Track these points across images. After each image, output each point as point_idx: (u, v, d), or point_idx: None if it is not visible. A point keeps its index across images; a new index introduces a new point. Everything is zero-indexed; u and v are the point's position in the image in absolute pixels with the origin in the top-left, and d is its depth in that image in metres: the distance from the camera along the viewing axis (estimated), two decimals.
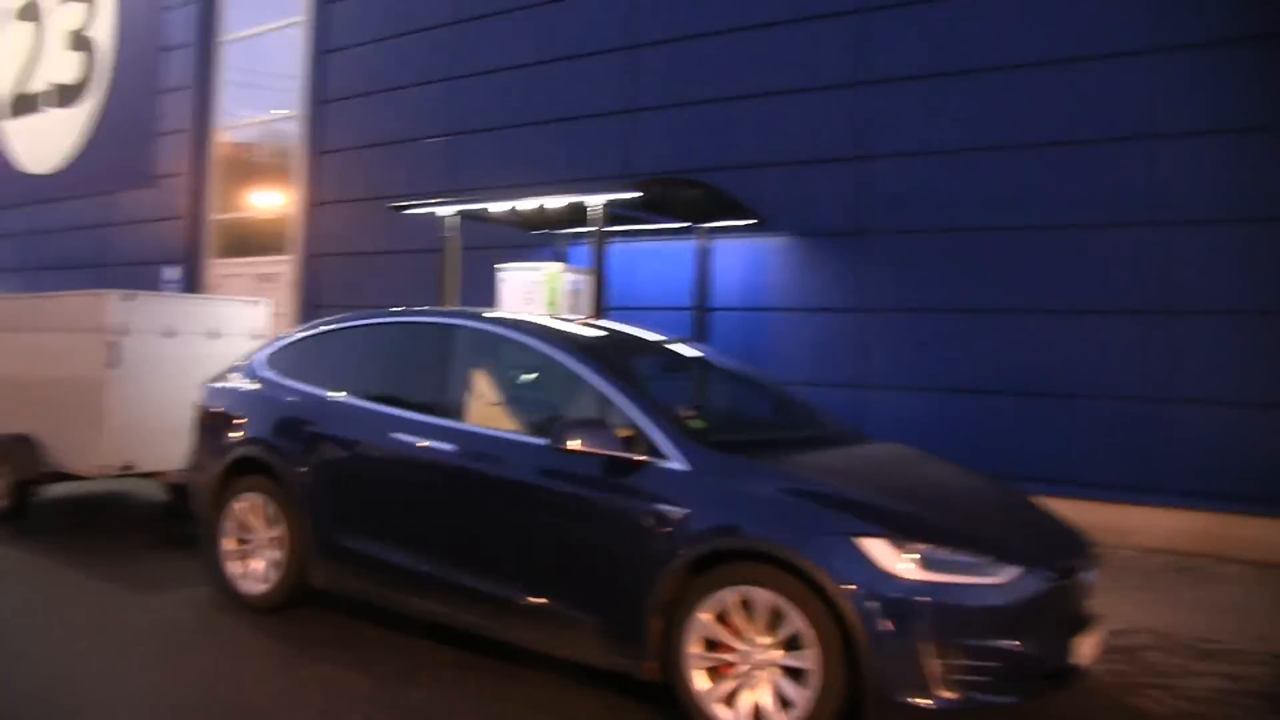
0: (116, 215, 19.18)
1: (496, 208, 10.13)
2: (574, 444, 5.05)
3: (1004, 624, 4.38)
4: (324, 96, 15.52)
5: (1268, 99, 8.59)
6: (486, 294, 10.50)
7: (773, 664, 4.57)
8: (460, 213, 10.46)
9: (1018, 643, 4.38)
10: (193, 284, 17.30)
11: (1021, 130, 9.57)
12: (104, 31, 19.87)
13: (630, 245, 11.78)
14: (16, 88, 22.11)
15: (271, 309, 10.04)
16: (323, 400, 6.61)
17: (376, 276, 14.25)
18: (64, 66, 20.76)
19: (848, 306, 10.42)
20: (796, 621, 4.47)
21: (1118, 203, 9.10)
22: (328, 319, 7.25)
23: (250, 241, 17.13)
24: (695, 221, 10.59)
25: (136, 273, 18.03)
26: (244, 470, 6.88)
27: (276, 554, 6.62)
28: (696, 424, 5.52)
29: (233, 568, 6.87)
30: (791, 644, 4.51)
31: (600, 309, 9.20)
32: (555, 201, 9.47)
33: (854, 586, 4.35)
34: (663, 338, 6.88)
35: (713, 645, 4.72)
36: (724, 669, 4.68)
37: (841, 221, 10.47)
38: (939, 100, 9.98)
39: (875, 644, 4.30)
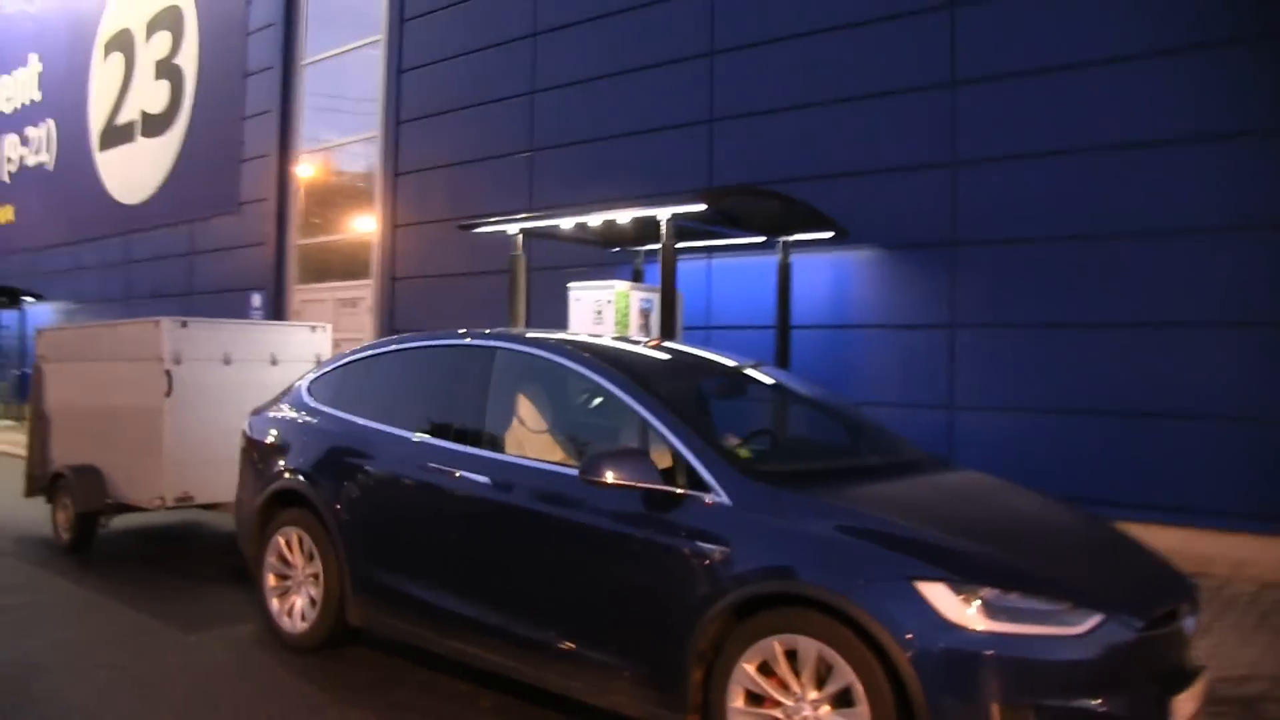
0: (204, 243, 19.29)
1: (563, 224, 9.72)
2: (607, 475, 4.57)
3: (1084, 681, 3.81)
4: (401, 116, 15.34)
5: None
6: (562, 315, 10.12)
7: None
8: (525, 230, 10.09)
9: (1099, 702, 3.78)
10: (277, 310, 17.24)
11: (1120, 130, 8.84)
12: (189, 59, 20.04)
13: (708, 262, 11.32)
14: (108, 120, 22.47)
15: (331, 334, 9.77)
16: (357, 428, 6.27)
17: (455, 299, 13.98)
18: (152, 96, 21.01)
19: (937, 323, 9.79)
20: (846, 674, 3.95)
21: (1226, 206, 8.34)
22: (370, 344, 6.92)
23: (332, 266, 17.03)
24: (774, 235, 10.06)
25: (224, 300, 18.10)
26: (284, 503, 6.58)
27: (315, 591, 6.30)
28: (744, 453, 5.02)
29: (274, 604, 6.57)
30: (841, 699, 3.99)
31: (670, 328, 8.73)
32: (622, 216, 9.04)
33: (909, 636, 3.82)
34: (727, 359, 6.38)
35: (757, 699, 4.21)
36: None
37: (929, 232, 9.86)
38: (1031, 100, 9.31)
39: (932, 702, 3.75)
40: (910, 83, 10.01)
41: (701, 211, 8.59)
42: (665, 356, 6.13)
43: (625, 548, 4.69)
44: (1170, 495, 8.47)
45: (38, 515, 9.99)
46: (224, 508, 8.81)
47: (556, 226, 9.86)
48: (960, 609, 3.81)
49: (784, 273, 10.15)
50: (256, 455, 6.98)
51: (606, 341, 6.08)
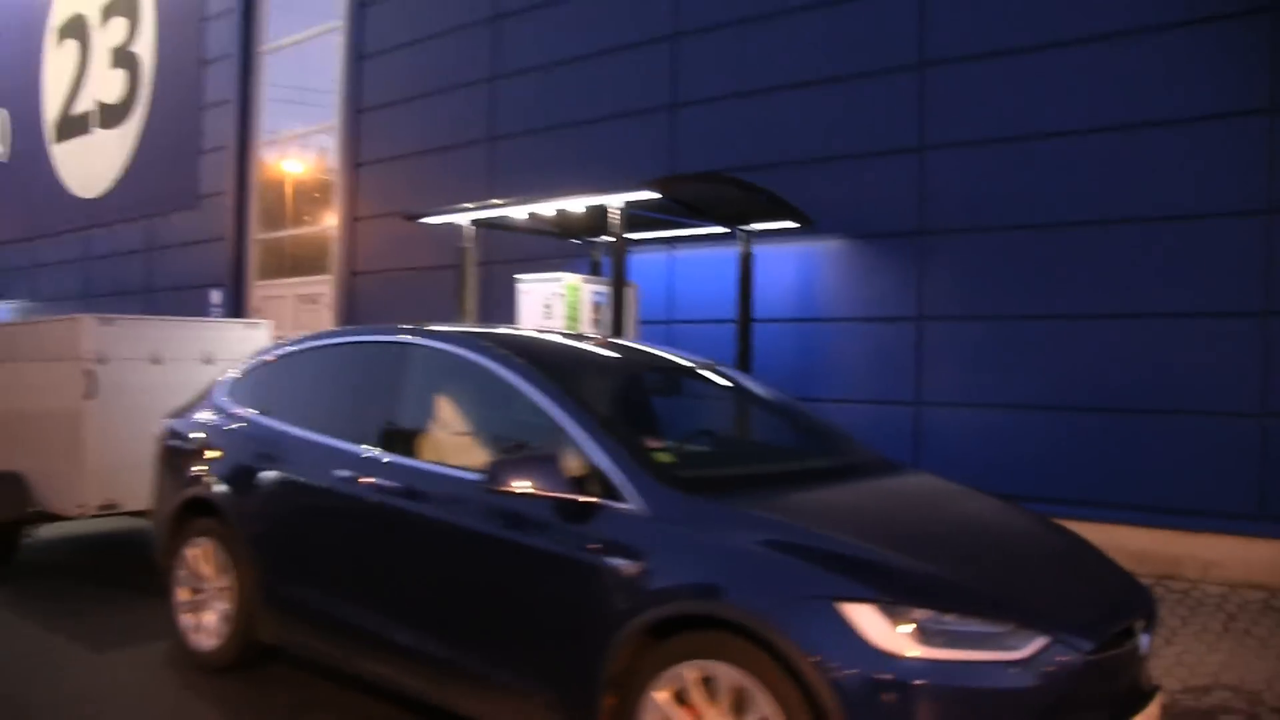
0: (163, 238, 18.69)
1: (514, 214, 9.25)
2: (510, 483, 4.12)
3: (1026, 710, 3.43)
4: (361, 105, 14.82)
5: None
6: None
7: None
8: (475, 221, 9.62)
9: None
10: (236, 307, 16.70)
11: (1097, 112, 8.37)
12: (146, 47, 19.35)
13: (670, 254, 10.85)
14: (64, 110, 21.69)
15: (272, 330, 9.28)
16: (269, 432, 5.82)
17: (416, 294, 13.47)
18: (108, 85, 20.25)
19: (904, 315, 9.33)
20: (764, 706, 3.54)
21: (1216, 191, 7.86)
22: (288, 341, 6.45)
23: (293, 261, 16.51)
24: (736, 225, 9.58)
25: (183, 297, 17.58)
26: (196, 512, 6.12)
27: (226, 606, 5.83)
28: (665, 457, 4.57)
29: (185, 620, 6.13)
30: None
31: (620, 323, 8.26)
32: (573, 205, 8.57)
33: (832, 664, 3.39)
34: (671, 355, 5.95)
35: None
36: None
37: (896, 221, 9.38)
38: (1003, 82, 8.85)
39: None
40: (878, 65, 9.54)
41: (655, 200, 8.14)
42: (594, 352, 5.70)
43: (535, 561, 4.26)
44: (1143, 494, 8.08)
45: None
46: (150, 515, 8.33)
47: (507, 217, 9.40)
48: (890, 634, 3.41)
49: (745, 264, 9.68)
50: (170, 461, 6.54)
51: (529, 335, 5.65)
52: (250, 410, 6.09)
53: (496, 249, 12.11)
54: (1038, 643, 3.46)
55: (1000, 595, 3.66)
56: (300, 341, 6.24)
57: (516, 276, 9.26)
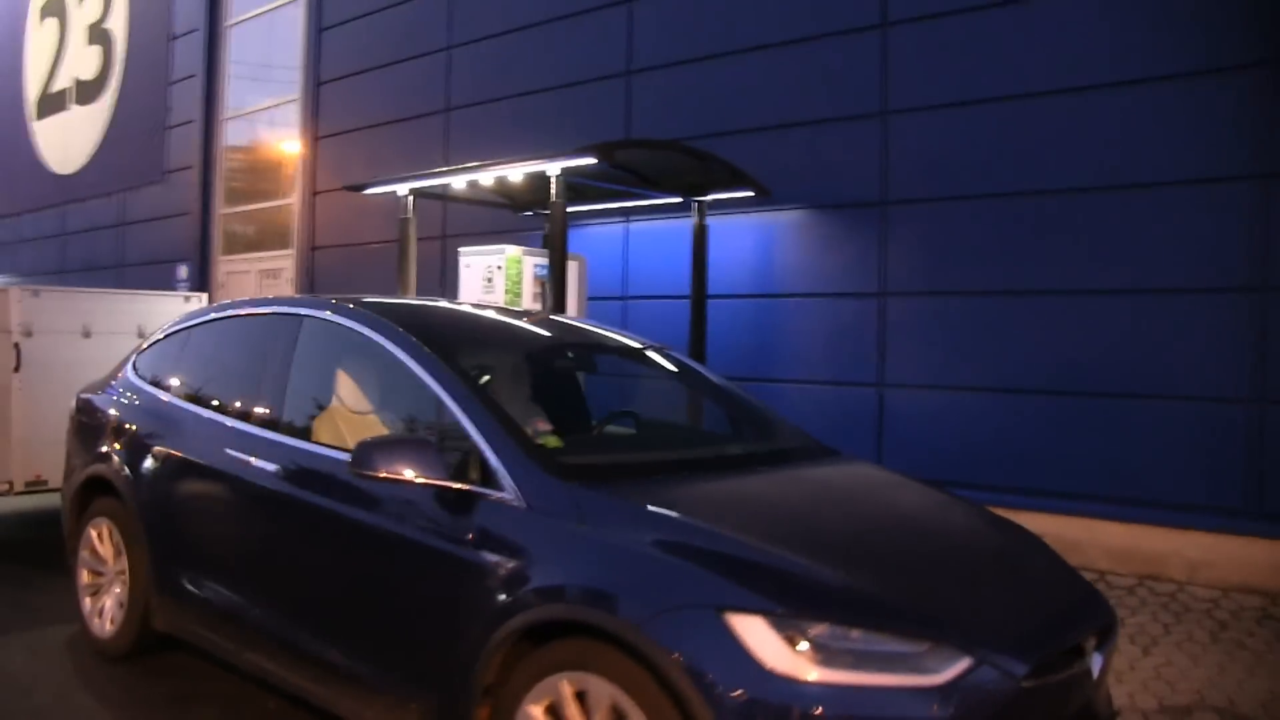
0: (134, 213, 18.55)
1: (454, 183, 8.96)
2: (378, 468, 3.78)
3: None
4: (321, 77, 14.53)
5: None
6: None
7: None
8: (415, 191, 9.33)
9: None
10: (201, 282, 16.47)
11: (1074, 71, 7.89)
12: (119, 23, 19.23)
13: (625, 226, 10.56)
14: (44, 88, 21.65)
15: (208, 303, 9.01)
16: (168, 408, 5.57)
17: (375, 269, 13.20)
18: (84, 62, 20.19)
19: (865, 291, 8.95)
20: None
21: (1197, 156, 7.35)
22: (196, 312, 6.19)
23: (257, 236, 16.26)
24: (690, 195, 9.27)
25: (153, 272, 17.36)
26: (97, 490, 5.87)
27: (122, 590, 5.58)
28: (551, 441, 4.25)
29: (87, 604, 5.87)
30: None
31: (561, 297, 7.97)
32: (511, 173, 8.27)
33: (713, 684, 2.97)
34: (604, 332, 5.65)
35: None
36: None
37: (857, 191, 9.01)
38: (971, 41, 8.42)
39: None
40: (839, 25, 9.15)
41: (602, 169, 7.85)
42: (506, 327, 5.40)
43: (408, 554, 3.93)
44: (1124, 486, 7.52)
45: None
46: None
47: (448, 186, 9.10)
48: (783, 651, 2.96)
49: (700, 237, 9.35)
50: (77, 436, 6.29)
51: (431, 308, 5.36)
52: (149, 385, 5.84)
53: (456, 223, 11.85)
54: (960, 665, 2.99)
55: (919, 607, 3.20)
56: (205, 314, 5.98)
57: (460, 250, 8.98)
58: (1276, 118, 7.03)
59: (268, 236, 15.88)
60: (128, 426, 5.73)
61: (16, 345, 7.79)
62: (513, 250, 8.54)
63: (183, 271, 16.77)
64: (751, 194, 8.99)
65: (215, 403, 5.25)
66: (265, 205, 16.17)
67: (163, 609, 5.28)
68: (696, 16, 10.15)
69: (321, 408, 4.79)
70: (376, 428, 4.57)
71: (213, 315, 5.85)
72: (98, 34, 19.76)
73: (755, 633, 2.99)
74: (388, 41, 13.51)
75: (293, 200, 15.08)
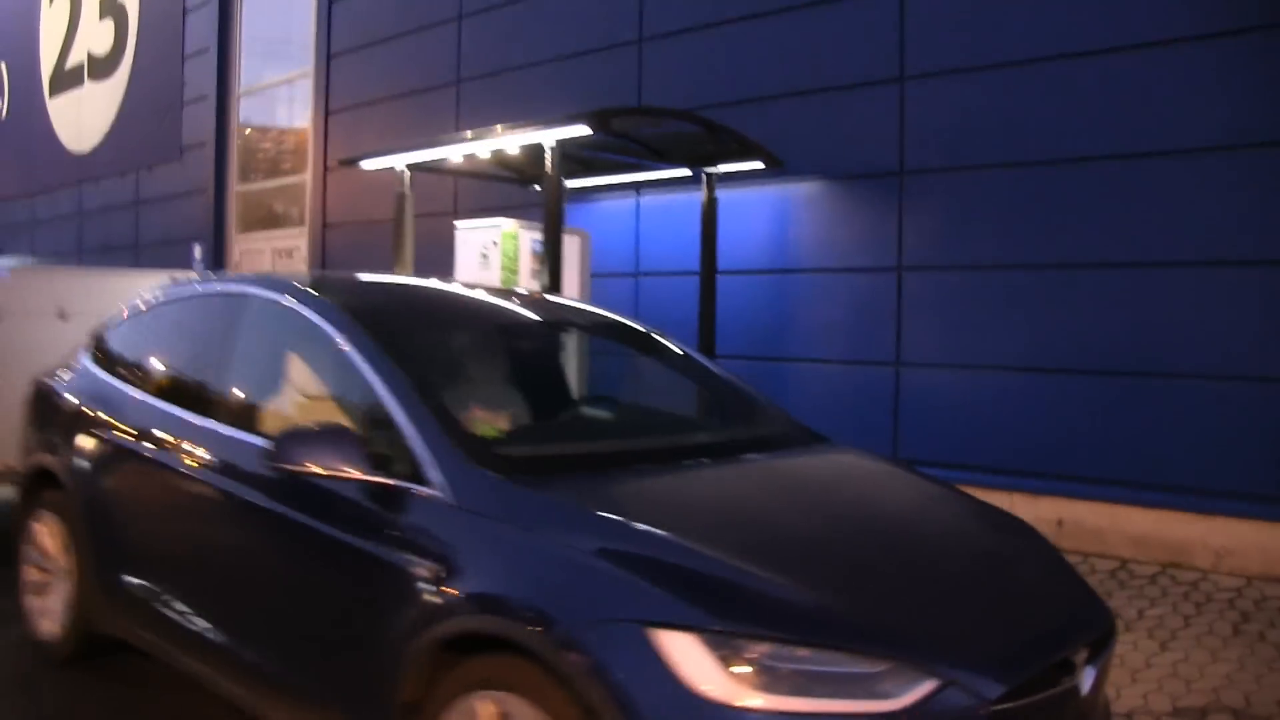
0: (149, 192, 18.22)
1: (451, 156, 8.53)
2: (297, 459, 3.38)
3: None
4: (332, 50, 14.12)
5: None
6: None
7: None
8: (412, 165, 8.91)
9: None
10: (217, 261, 16.16)
11: (1099, 32, 7.31)
12: None
13: (636, 200, 10.07)
14: (58, 64, 21.28)
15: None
16: (111, 393, 5.18)
17: (385, 246, 12.77)
18: (97, 37, 19.76)
19: (881, 265, 8.43)
20: None
21: (1230, 120, 6.77)
22: (154, 291, 5.78)
23: (272, 214, 15.93)
24: (699, 167, 8.78)
25: (169, 251, 16.99)
26: (44, 482, 5.48)
27: (67, 589, 5.19)
28: (488, 431, 3.80)
29: (33, 603, 5.50)
30: None
31: (557, 274, 7.51)
32: (507, 144, 7.82)
33: (639, 709, 2.59)
34: (595, 312, 5.26)
35: None
36: None
37: (872, 160, 8.48)
38: (995, 1, 7.88)
39: None
40: None
41: (595, 137, 7.39)
42: (473, 304, 4.96)
43: (334, 553, 3.54)
44: (1146, 470, 7.01)
45: None
46: None
47: (446, 160, 8.67)
48: (715, 673, 2.58)
49: (709, 210, 8.84)
50: (32, 425, 5.90)
51: (389, 284, 4.96)
52: (100, 369, 5.45)
53: (467, 199, 11.44)
54: (923, 688, 2.61)
55: (880, 621, 2.80)
56: (160, 294, 5.57)
57: (456, 224, 8.55)
58: None
59: (282, 214, 15.55)
60: (75, 414, 5.35)
61: None
62: (509, 224, 8.10)
63: (198, 251, 16.41)
64: (762, 165, 8.49)
65: (155, 389, 4.87)
66: (279, 183, 15.84)
67: (104, 609, 4.91)
68: None
69: (263, 394, 4.39)
70: (315, 415, 4.14)
71: (171, 295, 5.44)
72: (110, 7, 19.39)
73: (686, 652, 2.62)
74: (398, 12, 13.08)
75: (306, 177, 14.71)
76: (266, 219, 15.99)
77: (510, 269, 8.00)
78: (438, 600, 3.10)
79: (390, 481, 3.37)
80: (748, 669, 2.58)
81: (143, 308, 5.55)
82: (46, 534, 5.39)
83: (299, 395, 4.29)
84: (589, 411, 4.83)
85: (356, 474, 3.37)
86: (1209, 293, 6.90)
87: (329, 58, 14.13)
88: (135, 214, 18.49)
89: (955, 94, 8.09)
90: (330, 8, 14.13)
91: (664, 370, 5.14)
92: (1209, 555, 6.72)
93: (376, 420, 3.61)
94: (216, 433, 4.27)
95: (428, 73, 12.53)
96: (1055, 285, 7.57)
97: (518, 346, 5.01)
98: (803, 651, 2.63)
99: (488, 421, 3.91)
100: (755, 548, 3.02)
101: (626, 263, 9.98)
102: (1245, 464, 6.69)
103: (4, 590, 6.29)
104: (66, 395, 5.53)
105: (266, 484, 3.83)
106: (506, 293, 5.45)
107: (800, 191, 8.94)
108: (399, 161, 8.88)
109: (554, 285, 7.43)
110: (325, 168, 14.10)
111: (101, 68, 19.56)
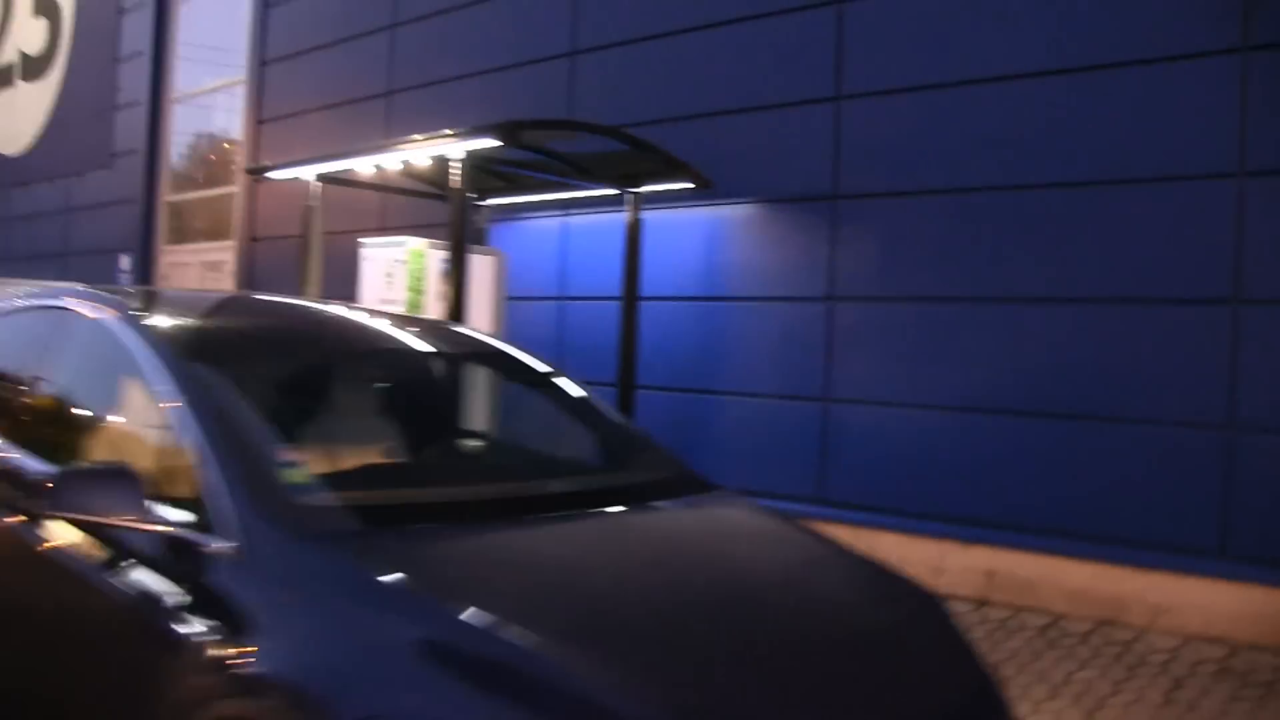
0: (79, 199, 17.54)
1: (359, 168, 8.04)
2: (69, 507, 2.89)
3: None
4: (266, 56, 13.61)
5: None
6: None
7: None
8: (322, 176, 8.43)
9: None
10: (144, 273, 15.55)
11: (1053, 51, 6.96)
12: None
13: (564, 220, 9.61)
14: None
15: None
16: None
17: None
18: (30, 35, 19.08)
19: (814, 294, 8.01)
20: None
21: (1188, 148, 6.44)
22: None
23: (201, 226, 15.36)
24: (625, 187, 8.32)
25: (96, 262, 16.38)
26: None
27: None
28: (295, 475, 3.25)
29: None
30: None
31: (460, 297, 7.00)
32: (416, 156, 7.36)
33: None
34: (460, 334, 4.80)
35: None
36: None
37: (805, 183, 8.08)
38: (938, 16, 7.52)
39: None
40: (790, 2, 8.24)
41: (511, 152, 6.97)
42: (323, 328, 4.45)
43: (116, 610, 3.06)
44: (1084, 519, 6.65)
45: None
46: None
47: (353, 172, 8.19)
48: None
49: (633, 233, 8.37)
50: None
51: (222, 298, 4.51)
52: None
53: (397, 215, 10.95)
54: None
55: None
56: None
57: (360, 241, 8.06)
58: (1253, 109, 6.19)
59: (212, 227, 14.98)
60: None
61: None
62: (416, 243, 7.61)
63: (125, 262, 15.85)
64: (691, 185, 8.06)
65: None
66: (210, 193, 15.28)
67: None
68: None
69: (66, 419, 3.88)
70: (116, 450, 3.63)
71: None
72: (44, 5, 18.71)
73: None
74: (333, 19, 12.59)
75: (236, 189, 14.16)
76: (196, 231, 15.42)
77: (416, 289, 7.51)
78: (212, 677, 2.62)
79: (173, 532, 2.89)
80: None
81: None
82: None
83: (103, 424, 3.79)
84: (442, 452, 4.33)
85: (133, 523, 2.89)
86: (1154, 332, 6.56)
87: (263, 64, 13.62)
88: (65, 222, 17.85)
89: (894, 115, 7.71)
90: (266, 12, 13.62)
91: (548, 407, 4.65)
92: (1146, 612, 6.35)
93: (177, 460, 3.12)
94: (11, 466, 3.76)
95: (359, 83, 12.05)
96: (994, 321, 7.20)
97: (376, 378, 4.50)
98: None
99: (313, 463, 3.40)
100: (567, 629, 2.54)
101: (551, 286, 9.51)
102: (1186, 515, 6.35)
103: None
104: None
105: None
106: (381, 316, 4.95)
107: (730, 214, 8.51)
108: (308, 172, 8.38)
109: (457, 308, 6.93)
110: (256, 179, 13.56)
111: (34, 68, 18.88)
